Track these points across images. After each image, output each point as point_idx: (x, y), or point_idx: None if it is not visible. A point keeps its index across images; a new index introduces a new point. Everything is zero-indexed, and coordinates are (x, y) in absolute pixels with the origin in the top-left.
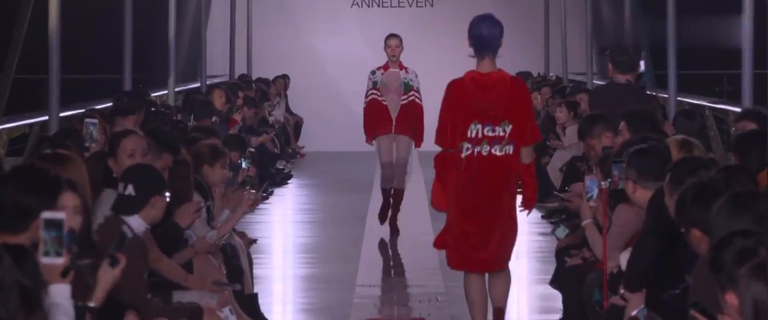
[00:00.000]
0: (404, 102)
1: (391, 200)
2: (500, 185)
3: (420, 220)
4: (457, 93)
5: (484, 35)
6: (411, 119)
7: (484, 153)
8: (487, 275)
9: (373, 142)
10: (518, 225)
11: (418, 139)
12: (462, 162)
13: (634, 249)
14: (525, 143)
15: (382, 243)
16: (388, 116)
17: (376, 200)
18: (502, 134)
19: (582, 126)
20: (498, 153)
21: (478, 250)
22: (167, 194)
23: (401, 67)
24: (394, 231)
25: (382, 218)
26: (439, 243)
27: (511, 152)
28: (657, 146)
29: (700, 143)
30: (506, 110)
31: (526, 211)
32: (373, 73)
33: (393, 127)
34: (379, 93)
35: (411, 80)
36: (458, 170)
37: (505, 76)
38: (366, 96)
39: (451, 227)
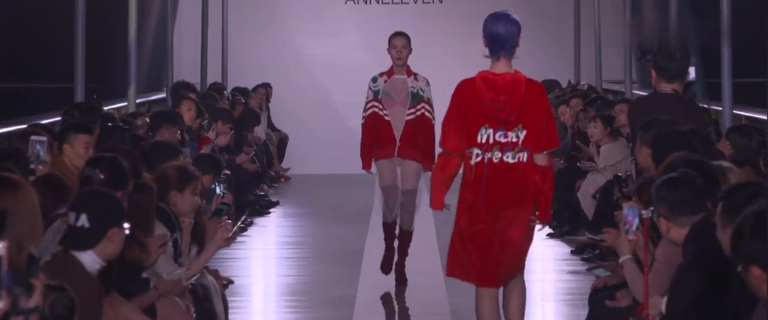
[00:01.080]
0: (411, 117)
1: (396, 242)
2: (513, 195)
3: (427, 257)
4: (466, 94)
5: (500, 34)
6: (419, 138)
7: (495, 160)
8: (501, 291)
9: (372, 169)
10: (533, 237)
11: (428, 160)
12: (472, 170)
13: (672, 291)
14: (540, 149)
15: (381, 284)
16: (390, 135)
17: (375, 232)
18: (515, 139)
19: (636, 137)
20: (510, 160)
21: (492, 264)
22: (127, 225)
23: (409, 73)
24: (401, 280)
25: (385, 267)
26: (450, 272)
27: (525, 159)
28: (689, 174)
29: (761, 163)
30: (520, 114)
31: (541, 226)
32: (374, 80)
33: (396, 148)
34: (380, 105)
35: (421, 90)
36: (467, 179)
37: (520, 77)
38: (365, 109)
39: (461, 240)
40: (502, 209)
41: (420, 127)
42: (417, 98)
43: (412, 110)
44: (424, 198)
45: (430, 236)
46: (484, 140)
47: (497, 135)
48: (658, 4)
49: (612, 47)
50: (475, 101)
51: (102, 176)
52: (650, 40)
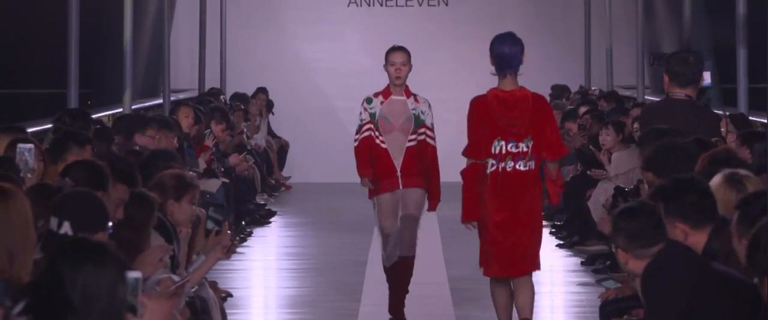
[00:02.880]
0: (412, 144)
1: (396, 270)
2: (524, 198)
3: (433, 269)
4: (481, 110)
5: (506, 54)
6: (421, 166)
7: (508, 169)
8: (511, 284)
9: (373, 200)
10: (543, 232)
11: (435, 197)
12: (487, 178)
13: None
14: (549, 158)
15: (385, 296)
16: (389, 165)
17: (378, 241)
18: (525, 149)
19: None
20: (522, 168)
21: (513, 260)
22: (110, 225)
23: (408, 93)
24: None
25: (396, 313)
26: (486, 272)
27: (533, 167)
28: (647, 205)
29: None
30: (529, 126)
31: (551, 203)
32: (368, 101)
33: (399, 179)
34: (377, 132)
35: (422, 113)
36: (484, 185)
37: (527, 93)
38: (358, 130)
39: (484, 240)
40: (515, 211)
41: (421, 155)
42: (419, 123)
43: (414, 136)
44: (425, 225)
45: (435, 246)
46: (497, 151)
47: (509, 146)
48: (672, 5)
49: (624, 50)
50: (488, 117)
51: (69, 182)
52: (663, 44)
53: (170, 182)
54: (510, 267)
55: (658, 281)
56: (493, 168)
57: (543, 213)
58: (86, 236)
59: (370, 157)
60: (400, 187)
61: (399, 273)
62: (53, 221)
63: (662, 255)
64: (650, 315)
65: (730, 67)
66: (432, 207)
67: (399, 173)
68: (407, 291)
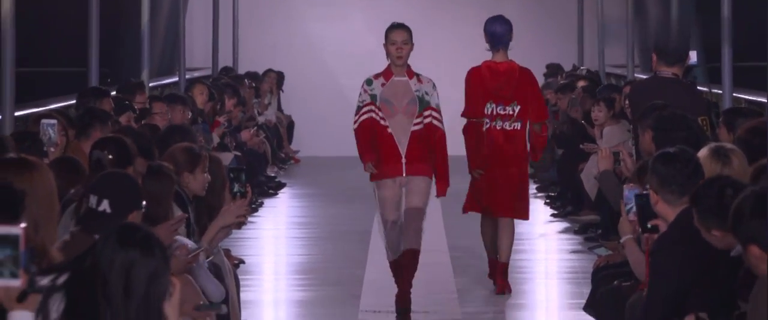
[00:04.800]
0: (418, 127)
1: (401, 263)
2: (511, 152)
3: (435, 238)
4: (476, 78)
5: (497, 32)
6: (427, 149)
7: (498, 128)
8: (499, 223)
9: (374, 188)
10: (529, 187)
11: (443, 182)
12: (484, 135)
13: (653, 276)
14: (533, 121)
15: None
16: (393, 149)
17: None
18: (511, 112)
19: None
20: (508, 128)
21: (495, 200)
22: (143, 204)
23: (411, 74)
24: (404, 312)
25: (403, 313)
26: (467, 208)
27: (519, 127)
28: (686, 154)
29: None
30: (514, 92)
31: (534, 160)
32: (368, 82)
33: (403, 166)
34: (380, 113)
35: (427, 94)
36: (480, 141)
37: (515, 66)
38: (358, 112)
39: (475, 185)
40: (503, 163)
41: (429, 139)
42: (424, 104)
43: (419, 119)
44: (431, 219)
45: (436, 216)
46: (489, 112)
47: (498, 109)
48: None
49: (614, 32)
50: (482, 84)
51: (110, 157)
52: (651, 25)
53: (182, 156)
54: (496, 209)
55: (665, 253)
56: (487, 126)
57: (539, 185)
58: (130, 220)
59: (372, 139)
60: (404, 174)
61: (404, 267)
62: (92, 199)
63: (677, 224)
64: (653, 280)
65: (715, 46)
66: (440, 192)
67: (404, 160)
68: (411, 285)
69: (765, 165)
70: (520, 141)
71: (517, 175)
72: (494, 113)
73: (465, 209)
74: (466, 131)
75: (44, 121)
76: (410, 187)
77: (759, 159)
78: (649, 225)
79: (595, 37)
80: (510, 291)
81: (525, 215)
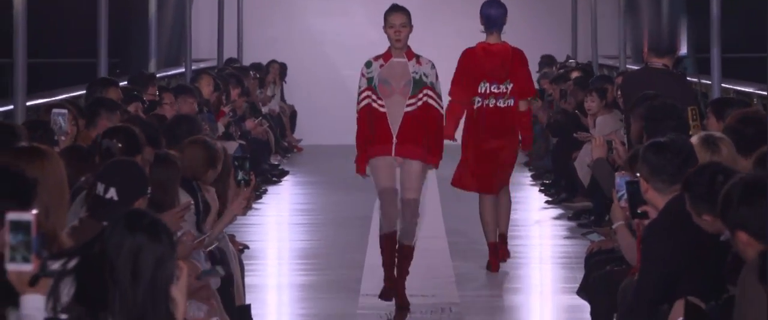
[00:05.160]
0: (411, 108)
1: (396, 259)
2: (504, 129)
3: (432, 223)
4: (470, 58)
5: (492, 15)
6: (421, 132)
7: (491, 105)
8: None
9: (367, 171)
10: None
11: (435, 155)
12: (474, 112)
13: (645, 260)
14: (522, 97)
15: (392, 232)
16: (385, 129)
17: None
18: (504, 90)
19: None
20: (501, 105)
21: (488, 177)
22: (148, 190)
23: (410, 55)
24: (403, 305)
25: (386, 294)
26: (456, 182)
27: (511, 104)
28: (677, 142)
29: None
30: (507, 72)
31: (525, 151)
32: (368, 65)
33: (393, 146)
34: (375, 95)
35: (425, 75)
36: (471, 119)
37: (507, 46)
38: (358, 100)
39: (466, 162)
40: (496, 139)
41: (423, 119)
42: (420, 85)
43: (413, 101)
44: (427, 209)
45: (434, 201)
46: (482, 91)
47: (492, 87)
48: None
49: (608, 22)
50: (476, 64)
51: (120, 145)
52: (643, 17)
53: (203, 155)
54: (488, 186)
55: (656, 239)
56: (479, 104)
57: (533, 172)
58: (137, 206)
59: (369, 127)
60: (393, 154)
61: (400, 259)
62: (100, 187)
63: (667, 211)
64: (644, 265)
65: (704, 38)
66: (433, 162)
67: (394, 140)
68: (407, 273)
69: (766, 153)
70: (513, 117)
71: (509, 149)
72: (488, 91)
73: (453, 182)
74: (449, 109)
75: (55, 110)
76: (404, 174)
77: (748, 147)
78: (638, 211)
79: (589, 29)
80: (509, 256)
81: (506, 181)
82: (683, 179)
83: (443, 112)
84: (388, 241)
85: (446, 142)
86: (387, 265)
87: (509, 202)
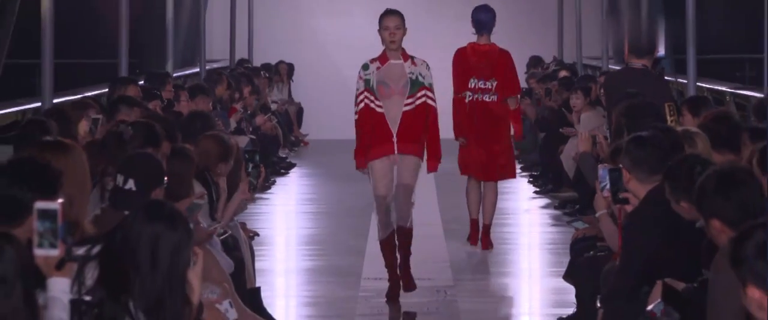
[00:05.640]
0: (409, 108)
1: (396, 242)
2: (492, 121)
3: (429, 212)
4: (461, 56)
5: (482, 19)
6: (420, 130)
7: (479, 100)
8: (482, 186)
9: (366, 169)
10: (513, 152)
11: (434, 158)
12: (467, 106)
13: (626, 246)
14: (507, 95)
15: (389, 235)
16: (385, 129)
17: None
18: (490, 86)
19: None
20: (488, 100)
21: (482, 164)
22: (165, 180)
23: (405, 56)
24: (409, 286)
25: (392, 295)
26: (463, 171)
27: (495, 99)
28: (658, 136)
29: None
30: (493, 70)
31: (516, 140)
32: (365, 67)
33: (395, 145)
34: (372, 97)
35: (421, 75)
36: (464, 113)
37: (495, 47)
38: (356, 102)
39: (463, 150)
40: (486, 130)
41: (421, 118)
42: (417, 85)
43: (411, 100)
44: (426, 195)
45: (429, 189)
46: (472, 86)
47: (480, 83)
48: None
49: (591, 27)
50: (467, 62)
51: (130, 130)
52: (624, 22)
53: (216, 148)
54: (482, 173)
55: (636, 226)
56: (470, 98)
57: (523, 165)
58: (154, 197)
59: (368, 127)
60: (396, 152)
61: (401, 243)
62: (119, 178)
63: (646, 201)
64: (626, 251)
65: (681, 41)
66: (431, 168)
67: (395, 138)
68: (410, 252)
69: (765, 147)
70: (497, 111)
71: (497, 141)
72: (476, 86)
73: (462, 172)
74: (454, 104)
75: (93, 117)
76: (401, 166)
77: (721, 143)
78: (619, 196)
79: (574, 32)
80: (492, 246)
81: (512, 174)
82: (665, 169)
83: (437, 108)
84: (387, 244)
85: (444, 138)
86: (390, 266)
87: (495, 196)
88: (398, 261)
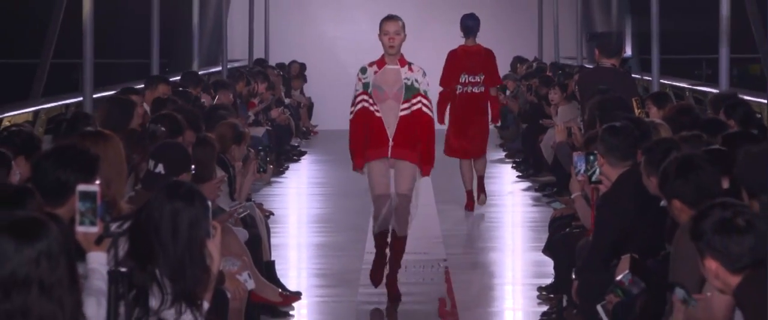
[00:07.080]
0: (405, 113)
1: (389, 251)
2: (477, 110)
3: (423, 193)
4: (453, 57)
5: (469, 25)
6: (415, 136)
7: (468, 92)
8: (472, 161)
9: (364, 169)
10: (488, 135)
11: (427, 163)
12: (456, 97)
13: (597, 226)
14: (491, 85)
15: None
16: (381, 133)
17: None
18: (478, 80)
19: (584, 100)
20: (475, 91)
21: (467, 145)
22: (192, 167)
23: (403, 62)
24: (395, 296)
25: (376, 277)
26: (447, 152)
27: (482, 90)
28: (629, 126)
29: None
30: (480, 67)
31: (495, 124)
32: (363, 70)
33: (390, 148)
34: (371, 100)
35: (416, 81)
36: (453, 102)
37: (481, 47)
38: (353, 102)
39: (450, 135)
40: (472, 118)
41: (416, 124)
42: (412, 91)
43: (407, 105)
44: (419, 203)
45: (427, 189)
46: (463, 81)
47: (469, 78)
48: None
49: (568, 30)
50: (458, 61)
51: (163, 129)
52: (597, 25)
53: (230, 132)
54: (468, 153)
55: (608, 206)
56: (460, 91)
57: (507, 152)
58: (180, 179)
59: (364, 130)
60: (389, 156)
61: (393, 251)
62: (151, 163)
63: (618, 184)
64: (598, 228)
65: (646, 42)
66: (425, 173)
67: (391, 143)
68: (399, 266)
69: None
70: (483, 101)
71: (482, 125)
72: (467, 81)
73: (446, 153)
74: (440, 96)
75: (152, 126)
76: (397, 173)
77: (680, 132)
78: (593, 179)
79: (552, 34)
80: (485, 198)
81: (482, 151)
82: (644, 147)
83: (434, 116)
84: (381, 237)
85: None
86: (378, 255)
87: (485, 161)
88: (387, 269)
